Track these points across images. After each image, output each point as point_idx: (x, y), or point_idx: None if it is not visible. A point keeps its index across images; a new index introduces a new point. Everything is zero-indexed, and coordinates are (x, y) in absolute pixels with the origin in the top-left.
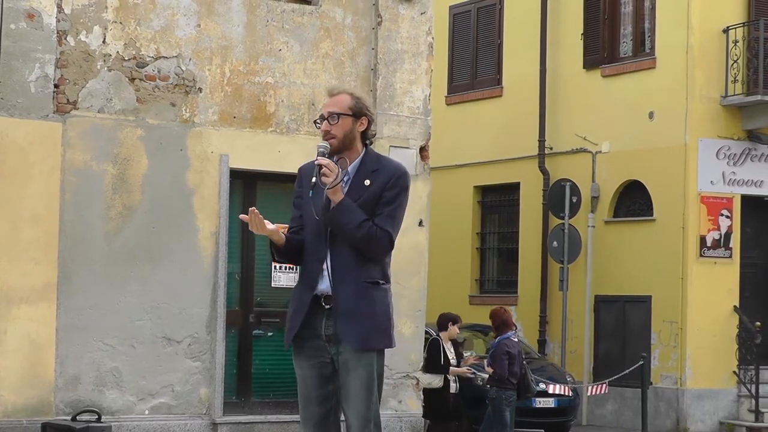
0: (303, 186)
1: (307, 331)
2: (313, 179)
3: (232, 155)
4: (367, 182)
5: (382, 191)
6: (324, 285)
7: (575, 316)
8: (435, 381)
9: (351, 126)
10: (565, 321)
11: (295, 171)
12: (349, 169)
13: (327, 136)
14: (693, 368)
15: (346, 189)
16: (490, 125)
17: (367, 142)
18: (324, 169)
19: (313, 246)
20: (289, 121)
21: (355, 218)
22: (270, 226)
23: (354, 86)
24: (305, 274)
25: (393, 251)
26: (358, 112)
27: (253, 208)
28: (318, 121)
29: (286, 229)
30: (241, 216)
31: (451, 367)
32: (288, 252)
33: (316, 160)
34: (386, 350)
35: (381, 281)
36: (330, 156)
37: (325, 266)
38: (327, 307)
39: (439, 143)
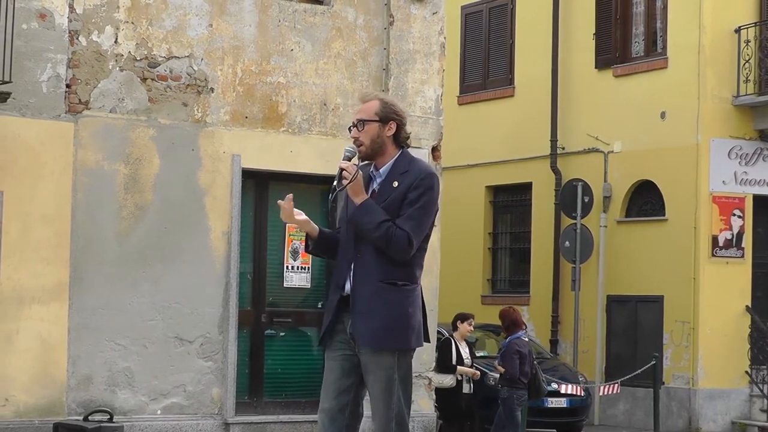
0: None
1: (338, 325)
2: (335, 182)
3: (244, 155)
4: (395, 184)
5: (407, 192)
6: (349, 284)
7: (587, 316)
8: (446, 380)
9: (378, 131)
10: (577, 321)
11: (308, 171)
12: (381, 171)
13: (356, 142)
14: (705, 368)
15: (377, 191)
16: (502, 125)
17: (404, 145)
18: (344, 172)
19: (344, 247)
20: (301, 121)
21: (375, 219)
22: (300, 216)
23: (386, 93)
24: (335, 273)
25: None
26: (385, 117)
27: (291, 194)
28: (350, 128)
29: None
30: (279, 201)
31: (458, 366)
32: (321, 245)
33: (340, 163)
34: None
35: (400, 282)
36: (361, 161)
37: (352, 266)
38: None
39: (450, 143)
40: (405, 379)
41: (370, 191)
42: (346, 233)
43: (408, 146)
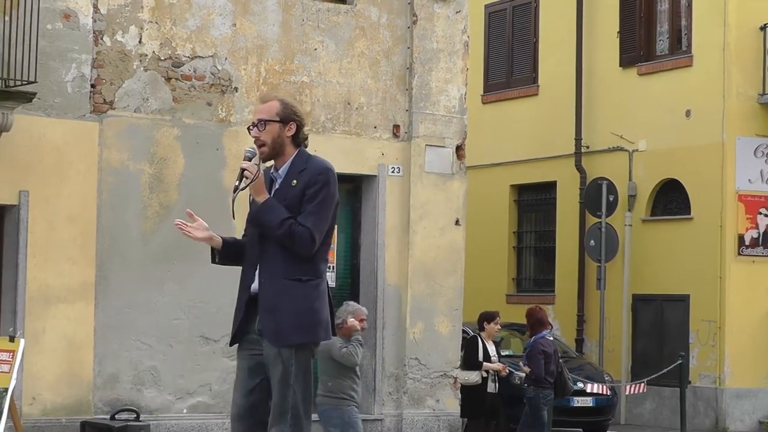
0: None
1: (247, 326)
2: (236, 182)
3: None
4: (294, 182)
5: (305, 189)
6: (256, 283)
7: (613, 315)
8: (472, 377)
9: (279, 131)
10: (602, 320)
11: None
12: (280, 171)
13: (256, 142)
14: (731, 367)
15: (277, 190)
16: (526, 124)
17: (302, 145)
18: (246, 172)
19: (249, 249)
20: (324, 120)
21: (277, 217)
22: (200, 234)
23: (285, 93)
24: (243, 274)
25: (429, 249)
26: (286, 117)
27: (178, 222)
28: (250, 127)
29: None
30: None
31: (485, 363)
32: (227, 254)
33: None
34: (425, 349)
35: (305, 277)
36: (263, 161)
37: (257, 266)
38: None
39: (475, 142)
40: (304, 372)
41: (272, 192)
42: (251, 235)
43: (306, 146)
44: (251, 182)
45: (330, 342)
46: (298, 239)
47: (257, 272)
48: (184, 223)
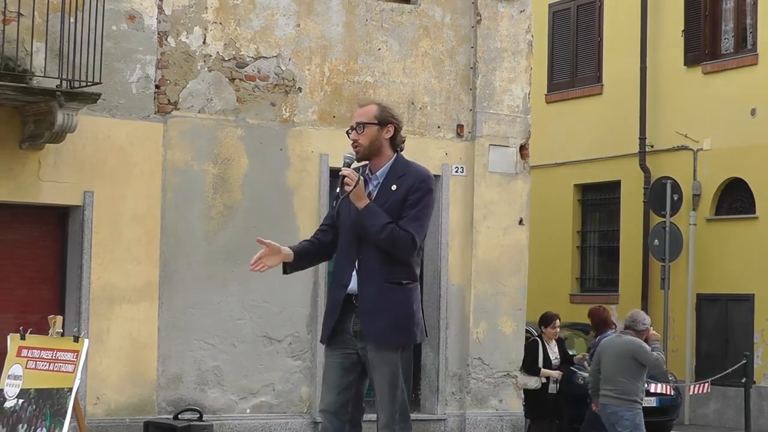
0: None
1: (338, 325)
2: (337, 189)
3: (331, 155)
4: (394, 187)
5: (407, 194)
6: (354, 284)
7: (677, 315)
8: (531, 382)
9: (377, 134)
10: (666, 320)
11: None
12: (378, 173)
13: (354, 144)
14: None
15: (375, 193)
16: (591, 123)
17: (398, 149)
18: (346, 179)
19: (344, 248)
20: None
21: (379, 221)
22: (275, 261)
23: (383, 99)
24: (337, 274)
25: (492, 249)
26: (384, 120)
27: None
28: (348, 131)
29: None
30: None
31: (542, 369)
32: (299, 264)
33: (341, 170)
34: (488, 347)
35: (405, 281)
36: (358, 162)
37: (354, 267)
38: (357, 304)
39: (539, 141)
40: (406, 370)
41: (366, 193)
42: (347, 236)
43: (402, 150)
44: (353, 189)
45: (637, 343)
46: (400, 243)
47: (355, 272)
48: (261, 257)
